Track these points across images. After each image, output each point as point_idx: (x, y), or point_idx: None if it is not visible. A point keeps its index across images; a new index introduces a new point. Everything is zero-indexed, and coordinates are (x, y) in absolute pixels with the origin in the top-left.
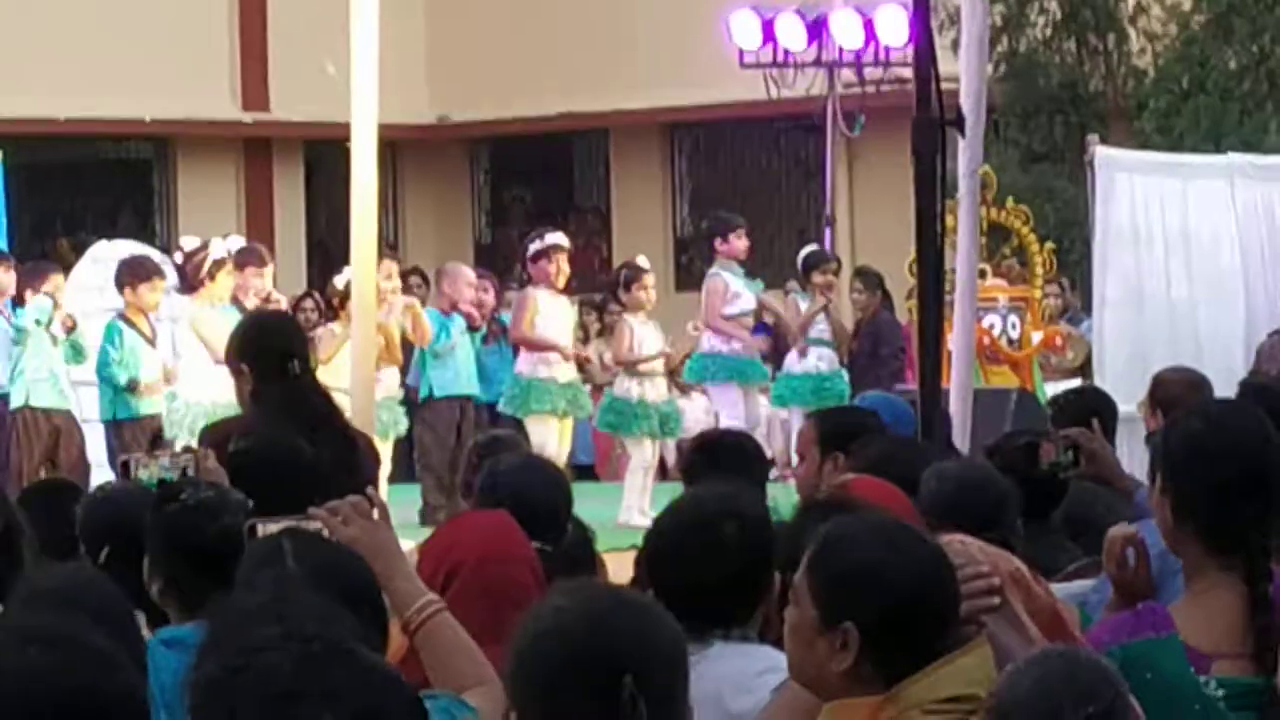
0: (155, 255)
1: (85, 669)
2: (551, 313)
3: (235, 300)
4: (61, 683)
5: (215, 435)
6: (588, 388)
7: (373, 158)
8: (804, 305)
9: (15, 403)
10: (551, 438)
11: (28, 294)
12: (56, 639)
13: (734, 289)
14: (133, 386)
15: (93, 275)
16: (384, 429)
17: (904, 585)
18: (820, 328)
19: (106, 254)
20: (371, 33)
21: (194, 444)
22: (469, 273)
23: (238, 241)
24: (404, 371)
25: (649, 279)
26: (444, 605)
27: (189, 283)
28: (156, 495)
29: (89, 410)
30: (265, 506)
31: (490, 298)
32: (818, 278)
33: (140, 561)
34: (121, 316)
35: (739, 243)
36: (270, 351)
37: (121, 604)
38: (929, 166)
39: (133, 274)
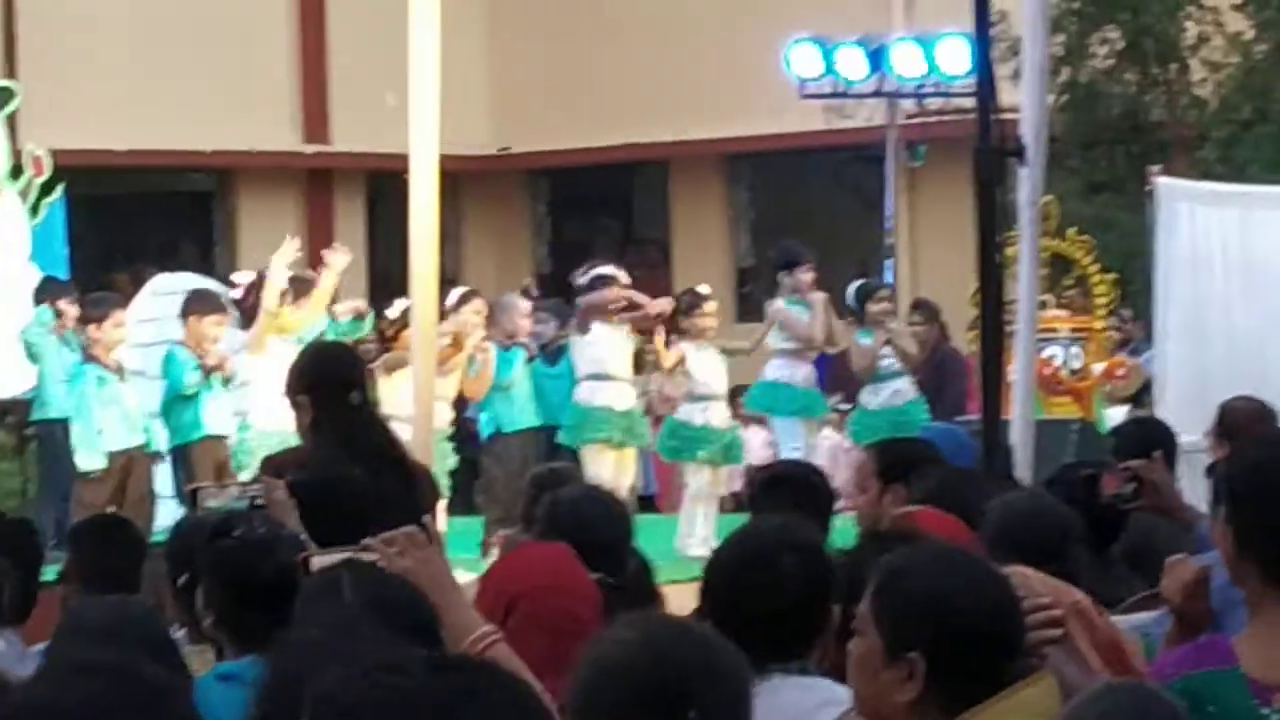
0: (215, 287)
1: (138, 701)
2: (607, 343)
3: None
4: (116, 716)
5: (275, 466)
6: (648, 418)
7: (432, 189)
8: (864, 341)
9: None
10: (607, 468)
11: (91, 328)
12: (108, 671)
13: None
14: (208, 372)
15: (151, 308)
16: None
17: (970, 614)
18: (888, 361)
19: (166, 286)
20: (431, 63)
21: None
22: (524, 304)
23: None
24: (459, 407)
25: (709, 305)
26: (501, 636)
27: (251, 316)
28: (210, 529)
29: (157, 442)
30: (323, 538)
31: (551, 329)
32: (873, 307)
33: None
34: (180, 344)
35: (805, 276)
36: (329, 381)
37: (163, 636)
38: (989, 196)
39: (199, 306)
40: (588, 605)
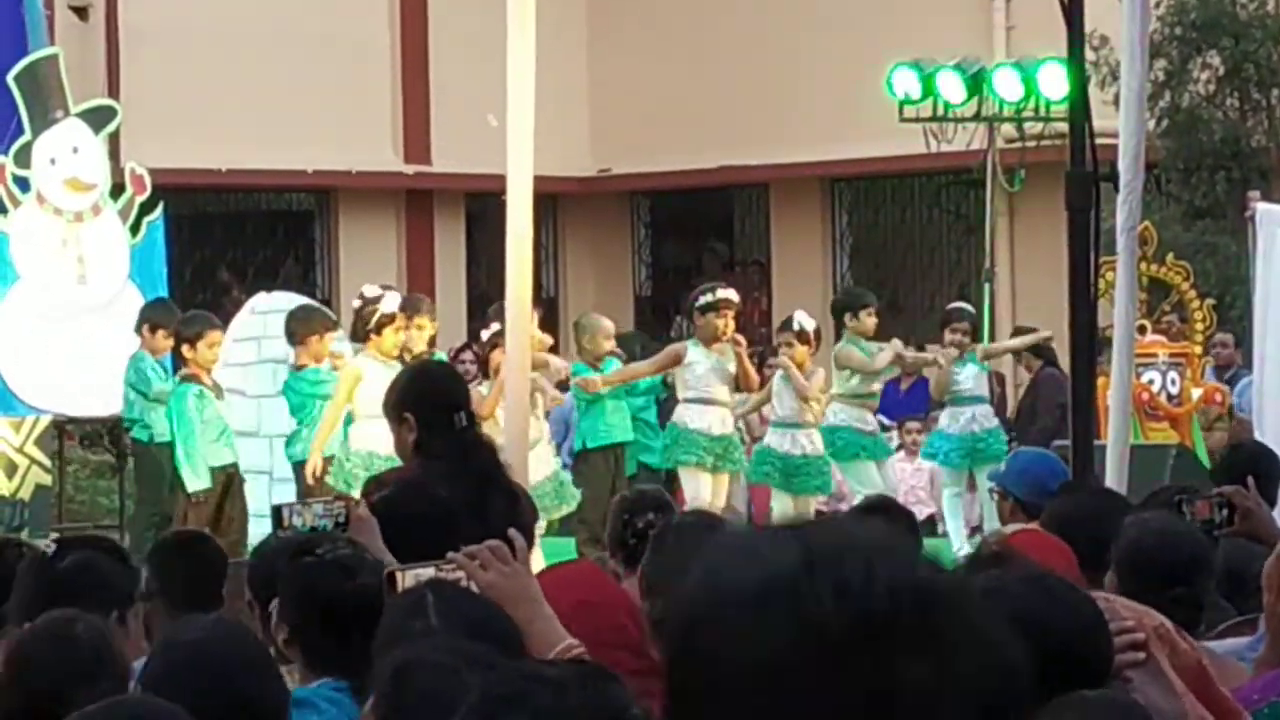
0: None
1: None
2: (706, 367)
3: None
4: None
5: (381, 487)
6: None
7: (528, 209)
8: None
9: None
10: (704, 489)
11: (185, 348)
12: None
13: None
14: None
15: (250, 327)
16: (559, 501)
17: (1060, 636)
18: (969, 384)
19: (265, 305)
20: (527, 84)
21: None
22: (609, 325)
23: (394, 299)
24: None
25: (802, 341)
26: (583, 648)
27: (357, 332)
28: (294, 546)
29: (247, 461)
30: (406, 557)
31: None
32: (947, 335)
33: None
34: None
35: (869, 320)
36: (435, 403)
37: (261, 654)
38: (1082, 221)
39: (319, 325)
40: (625, 615)
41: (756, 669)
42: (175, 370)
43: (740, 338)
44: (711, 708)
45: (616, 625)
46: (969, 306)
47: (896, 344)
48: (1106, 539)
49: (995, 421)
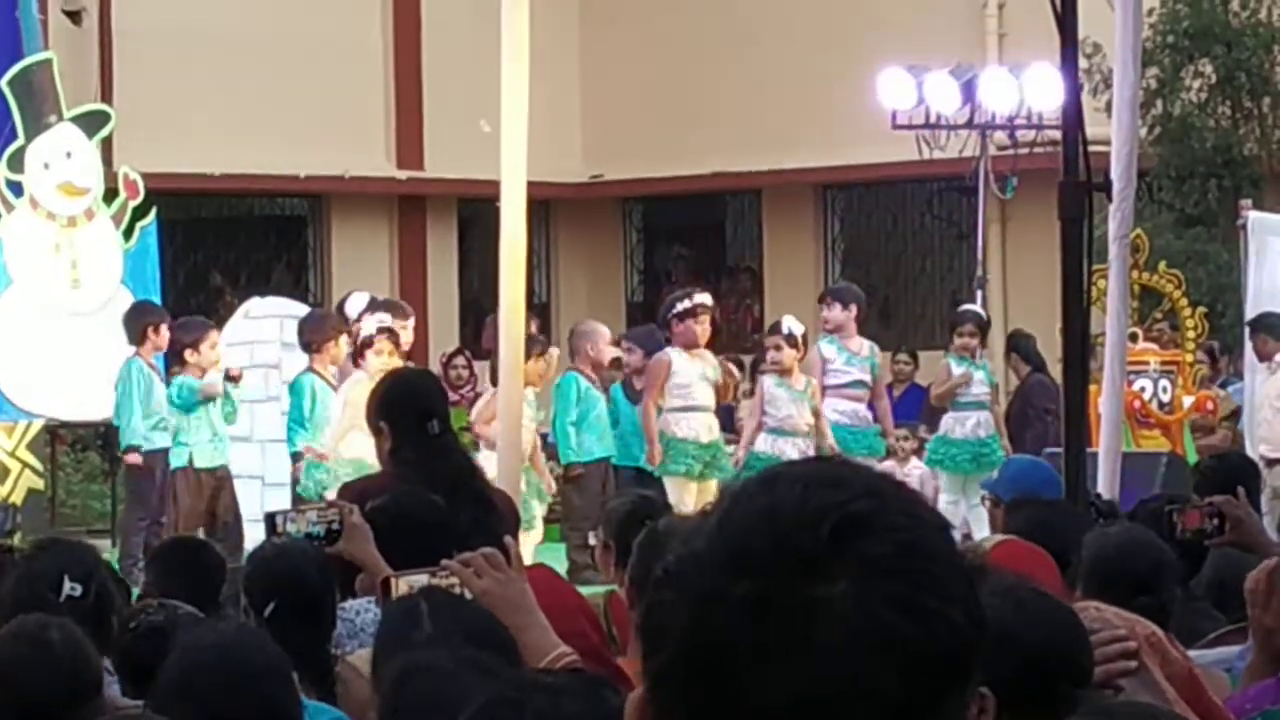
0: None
1: None
2: (689, 374)
3: None
4: None
5: (353, 493)
6: (732, 449)
7: (521, 215)
8: (956, 368)
9: (177, 462)
10: (689, 498)
11: (187, 353)
12: None
13: (828, 359)
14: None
15: (244, 332)
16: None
17: (1039, 647)
18: (979, 389)
19: (259, 310)
20: (521, 90)
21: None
22: (606, 331)
23: (361, 298)
24: None
25: (792, 344)
26: (576, 656)
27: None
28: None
29: (239, 466)
30: (403, 564)
31: (637, 359)
32: (957, 340)
33: (307, 616)
34: (310, 371)
35: (827, 313)
36: (409, 410)
37: (279, 660)
38: (1076, 230)
39: (335, 329)
40: (584, 620)
41: (683, 579)
42: (167, 368)
43: (732, 369)
44: (648, 620)
45: (576, 631)
46: (977, 309)
47: None
48: (1063, 552)
49: (994, 428)
